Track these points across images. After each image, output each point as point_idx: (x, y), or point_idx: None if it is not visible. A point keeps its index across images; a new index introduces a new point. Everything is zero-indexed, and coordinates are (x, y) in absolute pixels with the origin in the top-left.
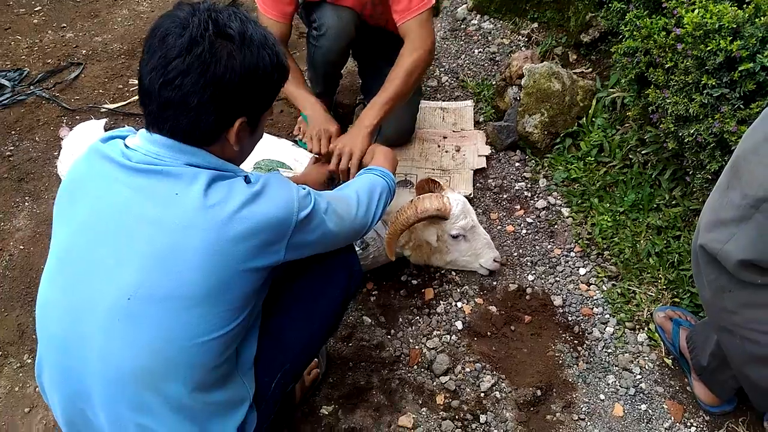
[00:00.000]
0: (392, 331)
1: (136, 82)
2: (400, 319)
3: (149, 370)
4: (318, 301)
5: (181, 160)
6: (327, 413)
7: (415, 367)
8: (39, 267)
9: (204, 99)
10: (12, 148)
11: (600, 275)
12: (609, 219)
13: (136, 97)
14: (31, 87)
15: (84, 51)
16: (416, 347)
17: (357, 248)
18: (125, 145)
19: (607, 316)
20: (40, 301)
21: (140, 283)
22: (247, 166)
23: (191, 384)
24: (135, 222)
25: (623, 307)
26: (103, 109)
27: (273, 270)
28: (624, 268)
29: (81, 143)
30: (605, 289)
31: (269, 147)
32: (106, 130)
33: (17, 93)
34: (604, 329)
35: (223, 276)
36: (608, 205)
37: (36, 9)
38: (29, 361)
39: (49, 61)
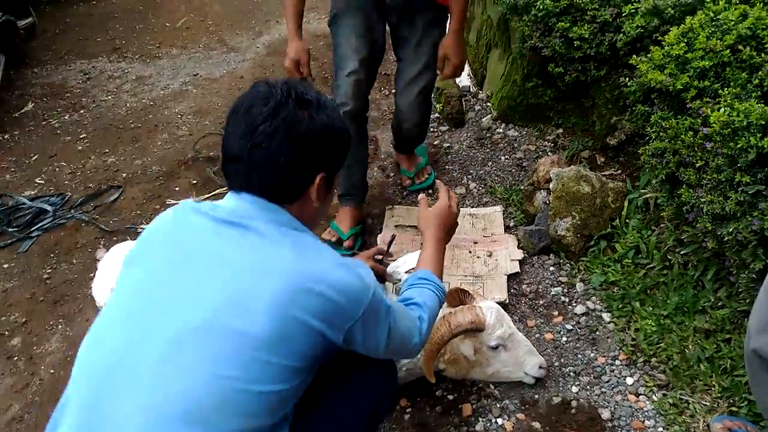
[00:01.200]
0: None
1: (173, 201)
2: None
3: (199, 403)
4: (348, 404)
5: (266, 217)
6: None
7: None
8: None
9: (290, 157)
10: (50, 270)
11: (649, 384)
12: (653, 323)
13: None
14: (72, 211)
15: (124, 174)
16: None
17: None
18: (214, 205)
19: (661, 429)
20: (88, 338)
21: (208, 316)
22: None
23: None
24: (217, 263)
25: (677, 419)
26: (140, 230)
27: (321, 357)
28: (674, 375)
29: (116, 264)
30: (656, 399)
31: None
32: None
33: (58, 217)
34: None
35: (287, 322)
36: (651, 308)
37: (81, 136)
38: None
39: (91, 185)
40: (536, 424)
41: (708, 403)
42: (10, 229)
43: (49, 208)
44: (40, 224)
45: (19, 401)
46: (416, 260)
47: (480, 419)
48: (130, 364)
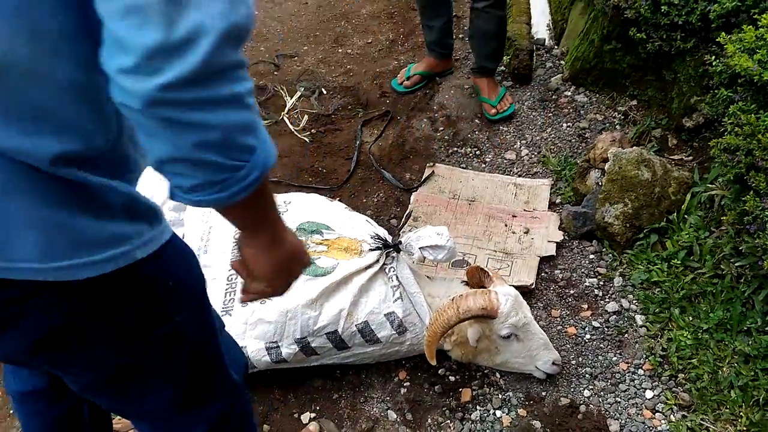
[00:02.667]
0: None
1: None
2: (429, 420)
3: None
4: None
5: None
6: None
7: None
8: None
9: None
10: None
11: (669, 402)
12: (689, 336)
13: None
14: None
15: None
16: None
17: (392, 331)
18: None
19: None
20: None
21: None
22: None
23: None
24: None
25: None
26: None
27: None
28: (699, 397)
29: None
30: (674, 419)
31: (316, 208)
32: None
33: None
34: None
35: None
36: (691, 318)
37: None
38: None
39: None
40: (536, 423)
41: None
42: None
43: None
44: None
45: None
46: (433, 235)
47: (478, 407)
48: None
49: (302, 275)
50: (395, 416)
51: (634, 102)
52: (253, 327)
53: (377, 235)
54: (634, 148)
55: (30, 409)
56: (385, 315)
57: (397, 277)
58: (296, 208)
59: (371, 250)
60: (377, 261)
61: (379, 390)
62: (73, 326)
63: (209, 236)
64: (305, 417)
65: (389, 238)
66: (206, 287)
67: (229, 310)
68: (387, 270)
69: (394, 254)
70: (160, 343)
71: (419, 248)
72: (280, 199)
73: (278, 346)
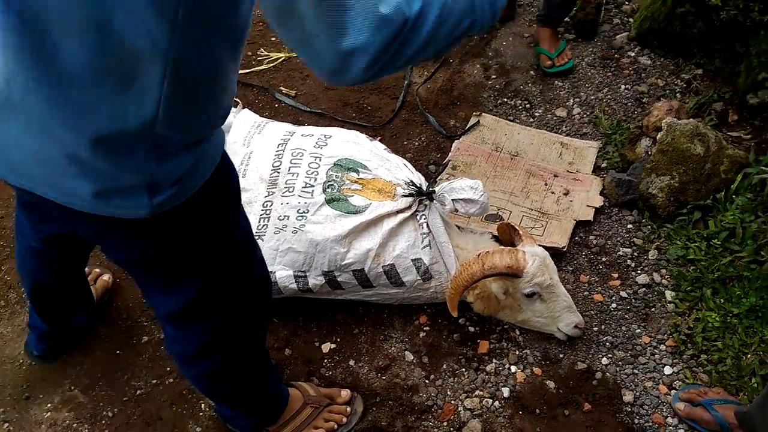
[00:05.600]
0: (432, 376)
1: (265, 52)
2: (444, 366)
3: None
4: None
5: None
6: None
7: (445, 424)
8: None
9: None
10: None
11: (688, 380)
12: (718, 318)
13: (259, 68)
14: None
15: None
16: (452, 402)
17: (417, 276)
18: None
19: (682, 431)
20: None
21: None
22: (328, 162)
23: None
24: None
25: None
26: None
27: None
28: (719, 380)
29: None
30: None
31: (356, 146)
32: None
33: None
34: None
35: None
36: (722, 301)
37: None
38: None
39: None
40: (550, 384)
41: None
42: None
43: None
44: None
45: None
46: (467, 188)
47: (494, 360)
48: None
49: (334, 211)
50: (412, 357)
51: (699, 71)
52: (284, 254)
53: (412, 181)
54: (691, 120)
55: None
56: (412, 260)
57: (427, 225)
58: (336, 143)
59: (404, 195)
60: (409, 207)
61: (399, 331)
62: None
63: (248, 161)
64: (325, 347)
65: (424, 186)
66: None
67: (261, 235)
68: (418, 217)
69: (427, 202)
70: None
71: (452, 200)
72: (320, 132)
73: (305, 276)
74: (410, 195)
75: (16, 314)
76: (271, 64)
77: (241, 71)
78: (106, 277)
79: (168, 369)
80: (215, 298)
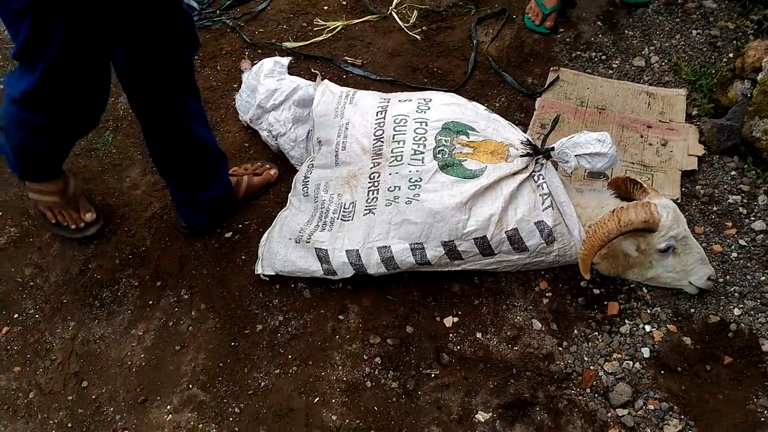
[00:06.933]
0: (564, 343)
1: (321, 21)
2: (575, 331)
3: None
4: None
5: None
6: (483, 420)
7: (588, 390)
8: None
9: None
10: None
11: None
12: None
13: (318, 38)
14: (218, 12)
15: None
16: (591, 368)
17: (540, 240)
18: None
19: None
20: None
21: None
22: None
23: None
24: None
25: None
26: (283, 47)
27: None
28: None
29: (262, 79)
30: None
31: (458, 108)
32: (289, 70)
33: (204, 18)
34: None
35: None
36: None
37: None
38: (186, 297)
39: None
40: (687, 340)
41: None
42: None
43: (195, 5)
44: None
45: (159, 200)
46: (593, 142)
47: (627, 321)
48: None
49: (450, 177)
50: (540, 325)
51: None
52: (398, 227)
53: (528, 140)
54: None
55: None
56: (534, 223)
57: (546, 186)
58: (438, 106)
59: (522, 156)
60: (526, 167)
61: (521, 299)
62: None
63: (346, 132)
64: (448, 321)
65: (539, 144)
66: None
67: (372, 208)
68: (536, 177)
69: (543, 161)
70: None
71: (575, 156)
72: (418, 96)
73: (423, 248)
74: (527, 155)
75: (114, 314)
76: (329, 34)
77: (299, 43)
78: (273, 171)
79: (290, 357)
80: None
